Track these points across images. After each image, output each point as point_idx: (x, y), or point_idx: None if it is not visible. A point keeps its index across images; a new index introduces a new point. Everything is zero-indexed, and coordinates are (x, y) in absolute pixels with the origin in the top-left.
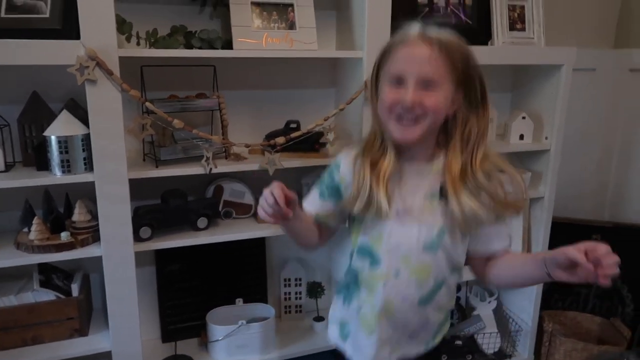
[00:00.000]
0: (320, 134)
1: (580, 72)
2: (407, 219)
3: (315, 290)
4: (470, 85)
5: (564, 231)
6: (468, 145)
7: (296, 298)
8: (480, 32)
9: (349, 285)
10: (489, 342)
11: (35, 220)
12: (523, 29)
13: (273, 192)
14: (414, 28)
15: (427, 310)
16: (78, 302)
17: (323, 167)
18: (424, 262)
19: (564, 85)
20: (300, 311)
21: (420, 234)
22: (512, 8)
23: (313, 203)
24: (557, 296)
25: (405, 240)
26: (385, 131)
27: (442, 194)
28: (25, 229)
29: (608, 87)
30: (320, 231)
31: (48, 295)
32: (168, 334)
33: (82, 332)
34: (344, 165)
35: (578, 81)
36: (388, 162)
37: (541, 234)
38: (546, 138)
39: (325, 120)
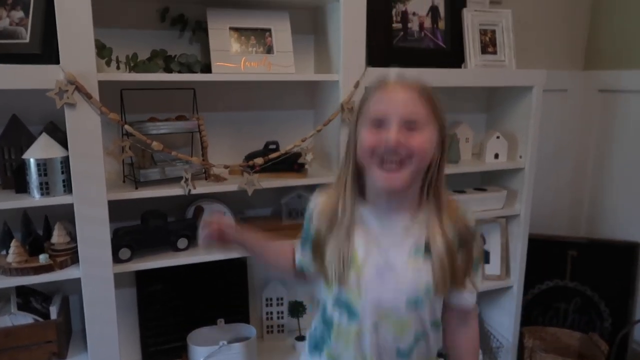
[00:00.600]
0: (298, 155)
1: (552, 93)
2: (388, 275)
3: (297, 309)
4: (444, 132)
5: (541, 247)
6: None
7: (278, 317)
8: (453, 56)
9: (322, 335)
10: None
11: (13, 243)
12: (494, 52)
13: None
14: (391, 75)
15: None
16: (56, 325)
17: (302, 187)
18: (405, 319)
19: (535, 105)
20: (282, 331)
21: (403, 292)
22: (483, 32)
23: (298, 249)
24: (537, 312)
25: (387, 298)
26: (368, 179)
27: (428, 248)
28: (3, 252)
29: (579, 107)
30: (300, 272)
31: (26, 319)
32: (149, 356)
33: (61, 355)
34: (316, 215)
35: (550, 101)
36: (348, 217)
37: (518, 250)
38: (520, 157)
39: (303, 141)
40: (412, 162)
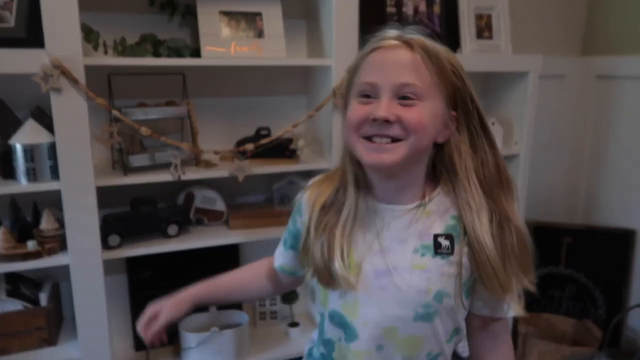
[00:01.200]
0: (290, 141)
1: (549, 79)
2: (391, 281)
3: (289, 296)
4: (467, 106)
5: (537, 234)
6: (487, 188)
7: (271, 304)
8: (448, 41)
9: (323, 355)
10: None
11: (1, 229)
12: (490, 37)
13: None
14: (391, 31)
15: None
16: (46, 311)
17: (293, 174)
18: (415, 334)
19: (531, 91)
20: (275, 317)
21: (409, 302)
22: (479, 17)
23: (278, 252)
24: (531, 299)
25: (390, 310)
26: (354, 161)
27: (438, 246)
28: None
29: (576, 94)
30: (283, 282)
31: (15, 305)
32: (141, 342)
33: (51, 342)
34: (305, 205)
35: (547, 87)
36: (350, 208)
37: None
38: (516, 143)
39: (294, 127)
40: (409, 139)
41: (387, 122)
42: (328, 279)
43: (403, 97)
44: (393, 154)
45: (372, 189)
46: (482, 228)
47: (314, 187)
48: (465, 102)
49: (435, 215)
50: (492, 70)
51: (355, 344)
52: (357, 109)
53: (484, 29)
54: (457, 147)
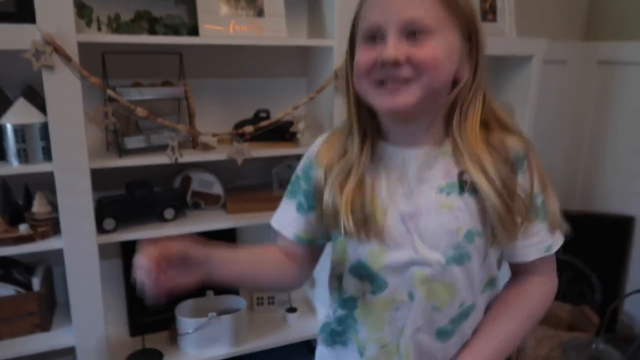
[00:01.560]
0: (290, 123)
1: (551, 64)
2: (418, 223)
3: None
4: (475, 35)
5: None
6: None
7: None
8: None
9: (342, 320)
10: None
11: None
12: (494, 20)
13: (142, 259)
14: None
15: (449, 345)
16: (39, 296)
17: (293, 157)
18: (448, 280)
19: (534, 76)
20: (273, 302)
21: (439, 244)
22: None
23: (289, 220)
24: None
25: (420, 254)
26: (365, 108)
27: (463, 183)
28: None
29: (578, 79)
30: (300, 257)
31: (7, 290)
32: (136, 328)
33: (44, 327)
34: (319, 159)
35: (549, 73)
36: (365, 156)
37: None
38: None
39: (295, 109)
40: (421, 79)
41: (396, 63)
42: (355, 224)
43: (412, 34)
44: (406, 96)
45: (388, 134)
46: (480, 174)
47: (324, 142)
48: (477, 33)
49: (454, 156)
50: (495, 53)
51: (383, 294)
52: (365, 54)
53: (488, 11)
54: (467, 85)
